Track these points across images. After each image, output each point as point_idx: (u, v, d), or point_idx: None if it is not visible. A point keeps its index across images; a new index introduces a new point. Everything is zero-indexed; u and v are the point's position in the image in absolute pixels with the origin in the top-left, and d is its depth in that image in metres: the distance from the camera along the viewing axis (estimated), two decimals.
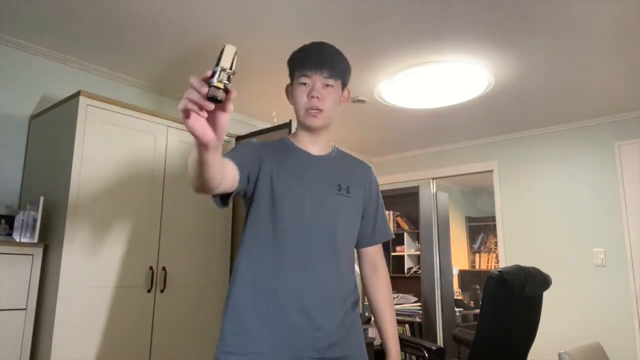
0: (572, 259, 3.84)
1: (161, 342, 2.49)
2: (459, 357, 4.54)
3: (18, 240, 2.24)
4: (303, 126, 1.36)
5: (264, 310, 1.21)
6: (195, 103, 0.77)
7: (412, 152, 5.03)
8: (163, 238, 2.57)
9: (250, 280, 1.25)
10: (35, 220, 2.23)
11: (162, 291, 2.52)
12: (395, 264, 4.93)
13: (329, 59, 1.32)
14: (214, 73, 0.79)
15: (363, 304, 3.32)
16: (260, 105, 3.57)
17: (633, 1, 2.20)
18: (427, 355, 2.81)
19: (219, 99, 0.78)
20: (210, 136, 0.84)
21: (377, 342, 3.11)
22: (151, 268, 2.49)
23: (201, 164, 0.94)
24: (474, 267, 7.07)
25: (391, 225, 4.96)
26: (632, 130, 3.71)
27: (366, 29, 2.49)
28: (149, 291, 2.47)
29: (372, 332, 3.51)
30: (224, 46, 0.84)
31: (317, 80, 1.29)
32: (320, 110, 1.30)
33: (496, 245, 5.62)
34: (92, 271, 2.26)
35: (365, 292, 1.49)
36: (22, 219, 2.26)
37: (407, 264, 4.84)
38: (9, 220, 2.32)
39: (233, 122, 3.68)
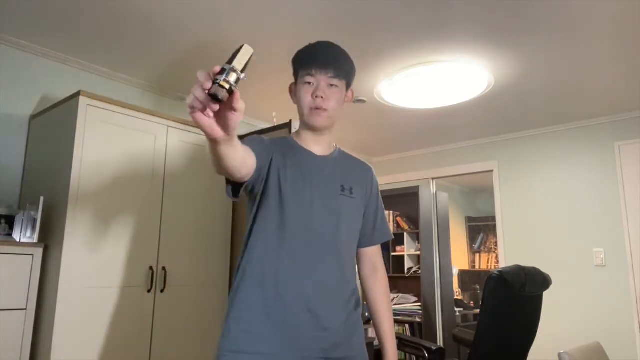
0: (572, 259, 3.84)
1: (161, 342, 2.49)
2: (459, 357, 4.54)
3: (18, 240, 2.24)
4: (306, 126, 1.36)
5: (270, 309, 1.21)
6: (201, 102, 0.76)
7: (412, 152, 5.03)
8: (163, 238, 2.57)
9: (257, 279, 1.24)
10: (35, 220, 2.23)
11: (162, 291, 2.52)
12: (395, 264, 4.93)
13: (334, 59, 1.32)
14: (222, 70, 0.76)
15: (363, 305, 3.32)
16: (261, 105, 3.57)
17: (633, 1, 2.20)
18: (427, 355, 2.81)
19: (220, 98, 0.76)
20: (218, 134, 0.84)
21: (377, 342, 3.11)
22: (151, 268, 2.49)
23: (215, 155, 0.96)
24: (474, 267, 7.07)
25: (391, 225, 4.96)
26: (632, 130, 3.71)
27: (366, 29, 2.49)
28: (149, 291, 2.47)
29: (372, 332, 3.51)
30: (242, 46, 0.81)
31: (321, 80, 1.29)
32: (324, 110, 1.30)
33: (496, 245, 5.63)
34: (92, 271, 2.26)
35: (363, 292, 1.49)
36: (22, 219, 2.26)
37: (407, 264, 4.84)
38: (9, 220, 2.32)
39: None
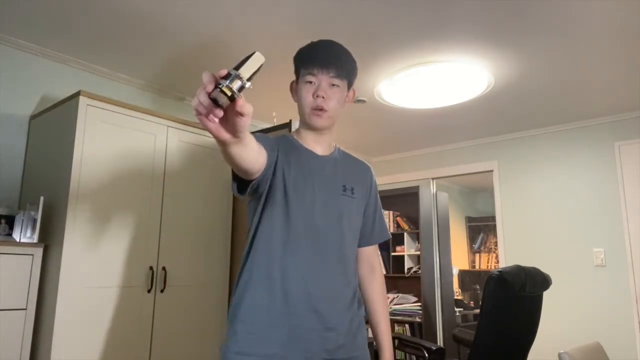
0: (572, 259, 3.84)
1: (161, 342, 2.49)
2: (459, 357, 4.54)
3: (18, 240, 2.24)
4: (307, 125, 1.35)
5: (277, 311, 1.20)
6: (205, 107, 0.75)
7: (412, 152, 5.03)
8: (163, 238, 2.57)
9: (263, 281, 1.23)
10: (35, 220, 2.23)
11: (162, 291, 2.52)
12: (395, 264, 4.93)
13: (336, 58, 1.31)
14: (228, 75, 0.74)
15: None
16: (260, 105, 3.56)
17: (633, 1, 2.20)
18: (427, 355, 2.81)
19: (220, 103, 0.74)
20: (225, 136, 0.83)
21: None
22: (151, 268, 2.49)
23: (225, 155, 0.96)
24: (474, 267, 7.07)
25: (391, 225, 4.96)
26: (632, 130, 3.71)
27: (366, 29, 2.49)
28: (149, 291, 2.47)
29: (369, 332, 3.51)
30: (253, 53, 0.79)
31: (323, 80, 1.29)
32: (325, 111, 1.29)
33: (496, 245, 5.63)
34: (92, 271, 2.26)
35: (360, 291, 1.49)
36: (22, 219, 2.26)
37: (407, 264, 4.84)
38: (9, 220, 2.32)
39: None
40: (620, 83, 3.15)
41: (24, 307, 2.14)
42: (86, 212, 2.27)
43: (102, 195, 2.35)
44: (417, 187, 4.77)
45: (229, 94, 0.73)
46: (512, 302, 2.34)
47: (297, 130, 1.41)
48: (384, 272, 4.85)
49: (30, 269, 2.18)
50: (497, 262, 5.30)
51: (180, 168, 2.71)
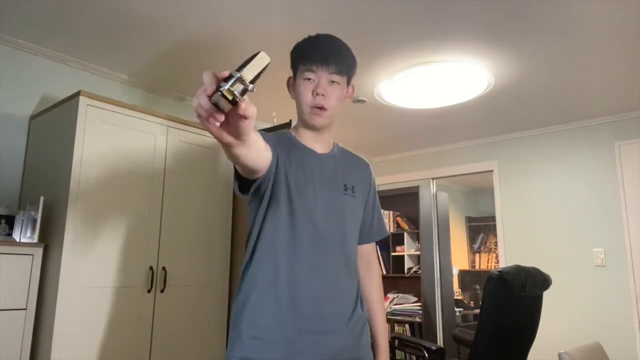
0: (572, 259, 3.84)
1: (161, 342, 2.49)
2: (459, 357, 4.54)
3: (18, 240, 2.24)
4: (306, 124, 1.31)
5: (282, 315, 1.17)
6: (205, 110, 0.71)
7: (412, 152, 5.03)
8: (163, 238, 2.57)
9: (269, 284, 1.19)
10: (35, 220, 2.23)
11: (162, 291, 2.52)
12: (395, 264, 4.93)
13: (336, 54, 1.26)
14: (230, 77, 0.70)
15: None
16: (260, 105, 3.57)
17: (633, 1, 2.20)
18: (427, 355, 2.81)
19: (220, 107, 0.70)
20: (227, 139, 0.80)
21: None
22: (151, 268, 2.49)
23: (229, 156, 0.93)
24: (474, 267, 7.07)
25: (391, 225, 4.96)
26: (632, 130, 3.71)
27: (366, 29, 2.49)
28: (149, 291, 2.47)
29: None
30: (258, 52, 0.74)
31: (322, 77, 1.24)
32: (325, 109, 1.25)
33: (496, 245, 5.63)
34: (92, 271, 2.26)
35: None
36: (22, 219, 2.26)
37: (407, 264, 4.84)
38: (9, 220, 2.32)
39: None
40: (620, 83, 3.15)
41: (24, 307, 2.14)
42: (86, 212, 2.27)
43: (102, 195, 2.35)
44: (417, 187, 4.77)
45: (231, 98, 0.69)
46: (512, 302, 2.34)
47: (296, 128, 1.37)
48: (384, 272, 4.85)
49: (30, 269, 2.18)
50: (497, 262, 5.30)
51: (180, 168, 2.71)
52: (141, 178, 2.52)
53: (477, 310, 4.52)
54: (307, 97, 1.26)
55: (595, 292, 3.69)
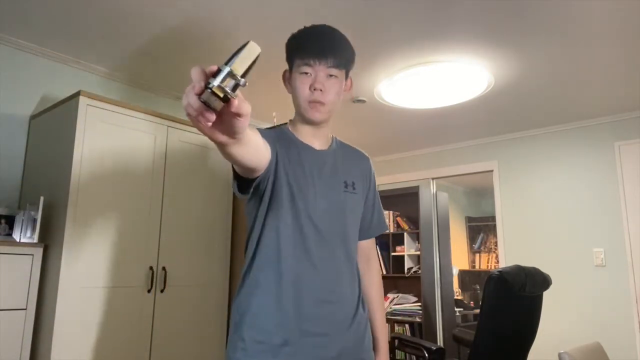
0: (572, 259, 3.84)
1: (161, 342, 2.49)
2: (459, 357, 4.54)
3: (18, 240, 2.24)
4: (304, 119, 1.26)
5: (287, 317, 1.14)
6: (195, 109, 0.66)
7: (412, 152, 5.03)
8: (163, 238, 2.57)
9: (271, 285, 1.16)
10: (35, 220, 2.23)
11: (162, 291, 2.52)
12: (395, 264, 4.93)
13: (333, 47, 1.21)
14: (218, 71, 0.64)
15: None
16: (260, 105, 3.56)
17: (633, 1, 2.20)
18: (427, 355, 2.81)
19: (212, 107, 0.64)
20: (221, 139, 0.76)
21: None
22: (151, 268, 2.49)
23: (225, 156, 0.89)
24: (474, 267, 7.07)
25: (391, 225, 4.96)
26: (632, 130, 3.71)
27: (366, 29, 2.49)
28: (149, 291, 2.47)
29: None
30: (247, 43, 0.68)
31: (320, 71, 1.20)
32: (323, 104, 1.21)
33: (496, 245, 5.63)
34: (92, 271, 2.26)
35: None
36: (22, 219, 2.26)
37: (407, 264, 4.84)
38: (9, 220, 2.32)
39: None
40: (620, 83, 3.15)
41: (24, 307, 2.14)
42: (86, 212, 2.27)
43: (102, 196, 2.34)
44: (417, 187, 4.77)
45: (221, 95, 0.63)
46: (512, 302, 2.34)
47: (293, 123, 1.32)
48: (384, 273, 4.85)
49: (30, 269, 2.18)
50: (497, 262, 5.30)
51: (180, 168, 2.71)
52: (141, 178, 2.52)
53: (477, 310, 4.52)
54: (304, 92, 1.21)
55: (595, 292, 3.69)
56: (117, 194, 2.40)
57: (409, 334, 4.62)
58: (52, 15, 2.37)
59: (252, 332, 1.14)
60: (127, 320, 2.36)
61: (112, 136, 2.43)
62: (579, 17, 2.34)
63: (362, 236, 1.38)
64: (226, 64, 0.64)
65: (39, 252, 2.21)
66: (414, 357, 3.67)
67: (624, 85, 3.19)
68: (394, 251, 4.94)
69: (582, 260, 3.79)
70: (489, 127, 4.16)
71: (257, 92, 3.34)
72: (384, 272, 4.88)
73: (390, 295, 4.83)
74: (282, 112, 3.54)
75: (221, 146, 0.82)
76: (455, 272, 6.22)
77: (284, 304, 1.15)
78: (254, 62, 0.67)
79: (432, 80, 3.04)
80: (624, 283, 3.57)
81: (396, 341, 3.05)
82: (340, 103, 1.28)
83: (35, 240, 2.22)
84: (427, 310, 4.53)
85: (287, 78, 1.29)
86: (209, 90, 0.62)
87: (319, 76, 1.20)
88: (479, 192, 7.37)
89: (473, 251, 7.17)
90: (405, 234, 4.91)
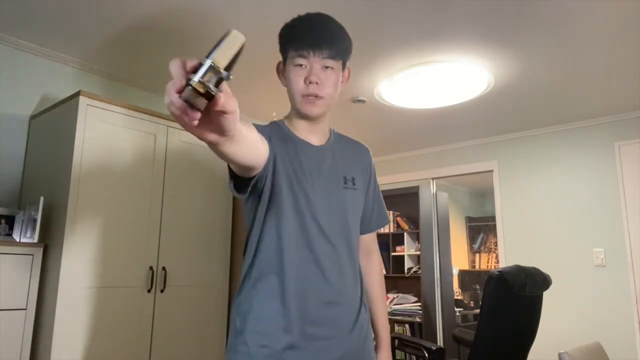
0: (572, 259, 3.84)
1: (161, 342, 2.49)
2: (459, 357, 4.54)
3: (18, 240, 2.24)
4: (299, 114, 1.20)
5: (291, 320, 1.11)
6: (177, 108, 0.60)
7: (412, 152, 5.03)
8: (163, 238, 2.57)
9: (275, 287, 1.12)
10: (35, 220, 2.23)
11: (162, 291, 2.52)
12: (395, 264, 4.93)
13: (329, 37, 1.16)
14: (199, 65, 0.57)
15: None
16: (260, 104, 3.56)
17: (633, 1, 2.20)
18: (427, 355, 2.81)
19: (194, 104, 0.58)
20: (210, 138, 0.71)
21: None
22: (151, 268, 2.49)
23: (218, 155, 0.84)
24: (474, 267, 7.07)
25: (391, 225, 4.96)
26: (632, 130, 3.71)
27: (366, 29, 2.49)
28: (149, 291, 2.47)
29: None
30: (229, 31, 0.61)
31: (315, 62, 1.14)
32: (320, 97, 1.15)
33: (496, 245, 5.62)
34: (92, 271, 2.26)
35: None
36: (22, 219, 2.26)
37: (407, 264, 4.84)
38: (9, 220, 2.32)
39: None
40: (620, 83, 3.15)
41: (24, 307, 2.14)
42: (86, 212, 2.27)
43: (102, 195, 2.34)
44: (417, 187, 4.77)
45: (203, 91, 0.57)
46: (512, 302, 2.34)
47: (289, 117, 1.26)
48: (384, 273, 4.85)
49: (30, 269, 2.18)
50: (497, 262, 5.30)
51: (180, 168, 2.71)
52: (141, 178, 2.52)
53: (477, 310, 4.52)
54: (299, 85, 1.15)
55: (595, 292, 3.69)
56: (117, 194, 2.40)
57: (409, 334, 4.63)
58: (52, 15, 2.37)
59: (255, 337, 1.10)
60: (127, 320, 2.36)
61: (112, 136, 2.43)
62: (579, 17, 2.34)
63: (363, 230, 1.34)
64: (207, 56, 0.58)
65: (39, 252, 2.21)
66: (414, 357, 3.66)
67: (624, 85, 3.19)
68: (394, 251, 4.94)
69: (582, 260, 3.78)
70: (489, 127, 4.16)
71: (257, 92, 3.33)
72: (384, 272, 4.87)
73: (391, 295, 4.83)
74: (282, 112, 3.53)
75: (212, 145, 0.77)
76: (455, 272, 6.22)
77: (288, 306, 1.11)
78: (239, 52, 0.61)
79: (432, 80, 3.04)
80: (624, 283, 3.57)
81: (396, 341, 3.04)
82: (337, 96, 1.22)
83: (35, 240, 2.22)
84: (427, 310, 4.53)
85: (281, 70, 1.24)
86: (190, 87, 0.56)
87: (314, 68, 1.14)
88: (479, 192, 7.37)
89: (473, 251, 7.17)
90: (405, 234, 4.91)
